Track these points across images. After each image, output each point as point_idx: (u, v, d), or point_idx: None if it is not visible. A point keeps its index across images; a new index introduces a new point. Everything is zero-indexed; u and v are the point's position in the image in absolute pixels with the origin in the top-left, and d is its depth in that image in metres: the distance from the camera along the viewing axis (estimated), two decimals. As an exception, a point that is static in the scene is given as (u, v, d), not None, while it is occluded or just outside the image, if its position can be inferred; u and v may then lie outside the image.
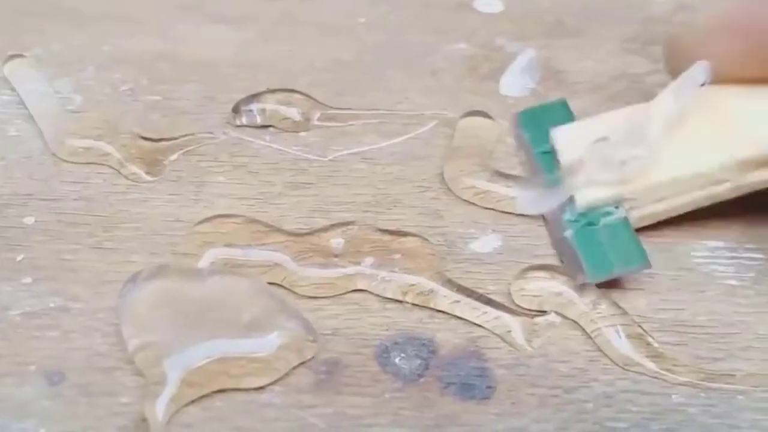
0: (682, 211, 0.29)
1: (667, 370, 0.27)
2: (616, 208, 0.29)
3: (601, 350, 0.27)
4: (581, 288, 0.28)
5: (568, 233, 0.28)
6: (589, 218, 0.29)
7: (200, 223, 0.29)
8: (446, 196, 0.31)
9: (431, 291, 0.28)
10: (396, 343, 0.27)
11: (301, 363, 0.26)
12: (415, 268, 0.28)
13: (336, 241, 0.29)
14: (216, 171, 0.31)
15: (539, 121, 0.31)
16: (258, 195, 0.31)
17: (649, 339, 0.27)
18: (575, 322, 0.28)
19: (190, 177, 0.31)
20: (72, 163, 0.31)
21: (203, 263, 0.28)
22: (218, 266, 0.28)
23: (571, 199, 0.29)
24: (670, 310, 0.28)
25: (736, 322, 0.28)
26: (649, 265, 0.28)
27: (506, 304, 0.28)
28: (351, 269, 0.28)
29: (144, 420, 0.25)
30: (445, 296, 0.28)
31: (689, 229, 0.30)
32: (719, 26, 0.29)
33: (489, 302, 0.28)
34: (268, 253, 0.28)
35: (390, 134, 0.32)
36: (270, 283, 0.28)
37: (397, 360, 0.27)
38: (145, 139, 0.32)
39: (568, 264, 0.28)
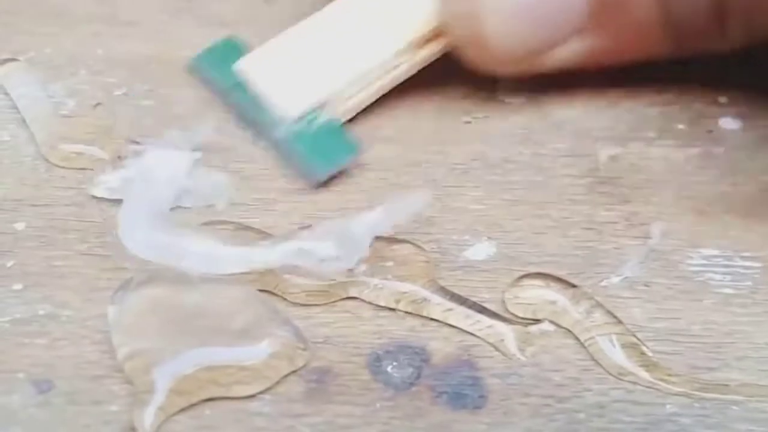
0: (373, 99, 0.32)
1: (661, 379, 0.26)
2: (320, 111, 0.31)
3: (594, 359, 0.27)
4: (575, 298, 0.28)
5: (286, 141, 0.31)
6: (300, 126, 0.31)
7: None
8: (440, 203, 0.30)
9: (424, 299, 0.28)
10: (388, 352, 0.27)
11: (292, 371, 0.26)
12: (408, 275, 0.28)
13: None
14: (209, 176, 0.31)
15: (217, 60, 0.33)
16: (252, 201, 0.30)
17: (644, 348, 0.27)
18: (569, 330, 0.27)
19: (182, 182, 0.31)
20: (64, 168, 0.31)
21: (194, 270, 0.28)
22: (209, 273, 0.28)
23: (276, 117, 0.31)
24: (666, 319, 0.28)
25: (731, 332, 0.28)
26: (360, 151, 0.31)
27: (500, 312, 0.28)
28: (343, 276, 0.28)
29: (132, 429, 0.25)
30: (438, 304, 0.28)
31: (684, 238, 0.29)
32: None
33: (482, 310, 0.28)
34: (260, 260, 0.28)
35: (385, 140, 0.32)
36: (261, 291, 0.28)
37: (388, 368, 0.27)
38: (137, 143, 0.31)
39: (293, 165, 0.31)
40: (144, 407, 0.25)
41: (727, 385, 0.26)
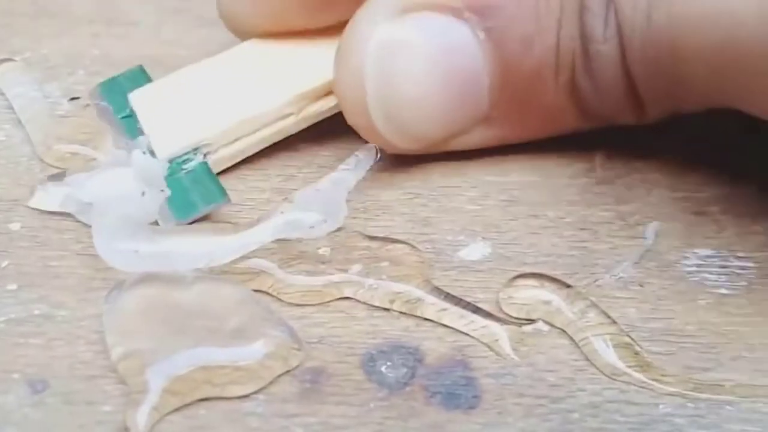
0: (258, 149, 0.31)
1: (655, 379, 0.26)
2: (195, 154, 0.30)
3: (588, 359, 0.27)
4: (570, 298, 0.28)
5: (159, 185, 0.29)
6: (171, 168, 0.30)
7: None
8: (435, 203, 0.30)
9: (418, 299, 0.28)
10: (382, 352, 0.27)
11: (286, 371, 0.26)
12: (402, 275, 0.28)
13: (323, 248, 0.28)
14: (204, 177, 0.31)
15: (120, 89, 0.32)
16: (246, 200, 0.30)
17: (638, 348, 0.27)
18: (563, 330, 0.27)
19: (177, 183, 0.31)
20: (59, 168, 0.31)
21: (188, 270, 0.28)
22: (204, 273, 0.28)
23: (151, 152, 0.30)
24: (660, 319, 0.28)
25: (726, 332, 0.28)
26: (228, 200, 0.30)
27: (494, 312, 0.28)
28: (338, 276, 0.28)
29: (126, 429, 0.25)
30: (432, 304, 0.28)
31: (680, 238, 0.29)
32: None
33: (476, 311, 0.28)
34: (255, 260, 0.28)
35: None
36: (256, 291, 0.28)
37: (382, 369, 0.27)
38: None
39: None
40: (138, 407, 0.25)
41: (721, 386, 0.26)
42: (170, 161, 0.30)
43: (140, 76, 0.32)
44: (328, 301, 0.28)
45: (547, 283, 0.28)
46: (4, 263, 0.28)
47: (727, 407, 0.26)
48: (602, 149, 0.31)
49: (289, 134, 0.31)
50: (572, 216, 0.30)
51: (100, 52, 0.35)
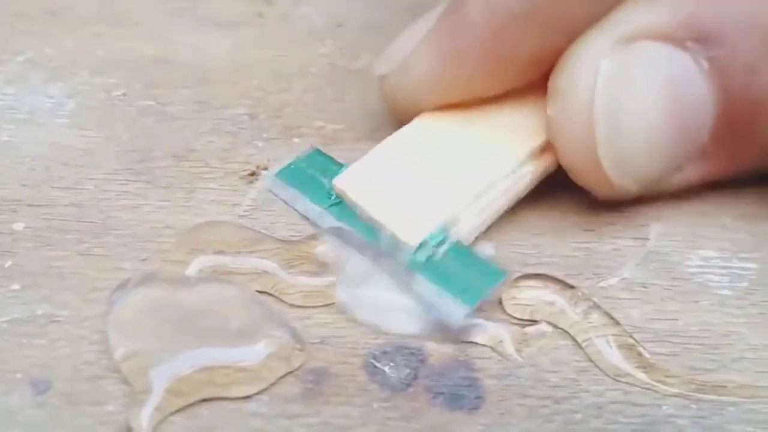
0: (500, 214, 0.29)
1: (659, 381, 0.26)
2: (446, 232, 0.28)
3: (591, 360, 0.27)
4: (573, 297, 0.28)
5: (415, 277, 0.27)
6: (426, 253, 0.28)
7: (190, 230, 0.29)
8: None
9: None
10: (385, 353, 0.27)
11: (289, 372, 0.26)
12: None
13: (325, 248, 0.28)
14: (207, 177, 0.31)
15: (304, 175, 0.30)
16: (249, 201, 0.30)
17: (641, 349, 0.27)
18: (566, 331, 0.27)
19: (180, 183, 0.31)
20: (65, 165, 0.31)
21: (192, 271, 0.28)
22: (207, 274, 0.28)
23: (395, 243, 0.28)
24: (663, 320, 0.28)
25: (729, 333, 0.28)
26: (509, 276, 0.28)
27: (498, 313, 0.28)
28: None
29: (129, 429, 0.25)
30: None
31: (683, 239, 0.29)
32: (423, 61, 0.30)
33: (479, 312, 0.28)
34: (258, 261, 0.28)
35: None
36: (259, 292, 0.28)
37: (385, 369, 0.27)
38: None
39: (432, 320, 0.27)
40: (141, 408, 0.25)
41: (724, 387, 0.26)
42: (420, 246, 0.28)
43: (319, 158, 0.30)
44: (331, 303, 0.28)
45: (550, 284, 0.28)
46: (8, 263, 0.28)
47: (730, 408, 0.26)
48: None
49: (524, 194, 0.30)
50: (576, 217, 0.30)
51: (104, 52, 0.35)
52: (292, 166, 0.30)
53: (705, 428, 0.25)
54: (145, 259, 0.29)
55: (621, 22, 0.28)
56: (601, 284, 0.28)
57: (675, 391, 0.26)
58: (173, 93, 0.34)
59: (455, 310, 0.27)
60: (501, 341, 0.27)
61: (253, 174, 0.31)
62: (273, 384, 0.26)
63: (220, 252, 0.28)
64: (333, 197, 0.29)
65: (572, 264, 0.29)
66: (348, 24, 0.37)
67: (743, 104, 0.28)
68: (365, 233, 0.28)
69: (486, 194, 0.29)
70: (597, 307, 0.28)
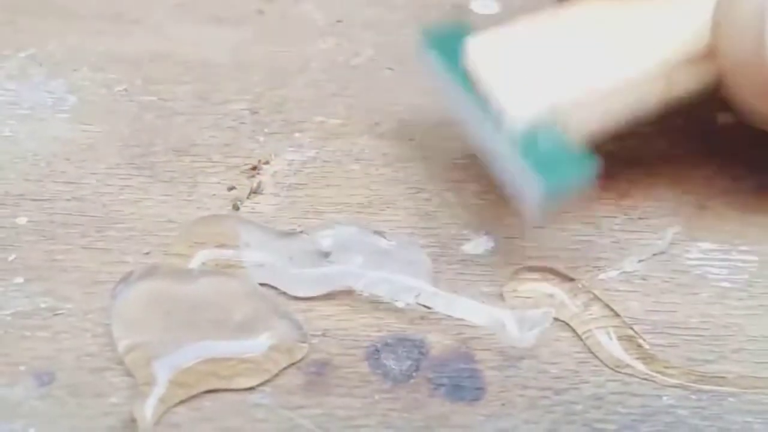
0: (619, 119, 0.28)
1: (658, 372, 0.26)
2: (553, 118, 0.27)
3: (591, 352, 0.27)
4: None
5: (510, 152, 0.26)
6: (527, 132, 0.27)
7: (193, 223, 0.29)
8: (439, 198, 0.30)
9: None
10: (387, 344, 0.27)
11: (292, 364, 0.26)
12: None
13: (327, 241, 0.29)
14: (209, 171, 0.31)
15: (447, 41, 0.29)
16: (251, 195, 0.31)
17: (640, 341, 0.27)
18: (566, 323, 0.27)
19: (182, 177, 0.31)
20: (67, 160, 0.31)
21: (194, 264, 0.28)
22: (209, 267, 0.28)
23: (501, 116, 0.27)
24: (663, 311, 0.28)
25: (728, 324, 0.28)
26: (595, 170, 0.26)
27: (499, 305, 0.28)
28: (342, 269, 0.28)
29: (133, 420, 0.25)
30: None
31: (683, 232, 0.30)
32: None
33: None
34: (260, 254, 0.28)
35: (384, 136, 0.32)
36: (261, 284, 0.28)
37: (387, 361, 0.27)
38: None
39: (521, 197, 0.27)
40: (144, 399, 0.25)
41: (723, 377, 0.26)
42: (523, 125, 0.26)
43: (465, 27, 0.29)
44: (333, 294, 0.28)
45: (550, 277, 0.28)
46: (11, 257, 0.29)
47: (729, 399, 0.26)
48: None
49: (652, 107, 0.28)
50: (575, 210, 0.30)
51: (105, 48, 0.35)
52: (440, 27, 0.29)
53: (704, 418, 0.26)
54: (147, 253, 0.29)
55: None
56: (601, 276, 0.29)
57: (674, 381, 0.26)
58: (174, 88, 0.34)
59: (535, 186, 0.26)
60: (505, 326, 0.27)
61: (254, 168, 0.31)
62: (276, 375, 0.26)
63: (221, 245, 0.28)
64: (461, 61, 0.28)
65: (572, 256, 0.29)
66: (348, 20, 0.37)
67: None
68: (478, 102, 0.27)
69: (605, 91, 0.27)
70: (597, 299, 0.28)
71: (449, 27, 0.29)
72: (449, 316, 0.27)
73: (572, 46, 0.27)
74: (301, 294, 0.28)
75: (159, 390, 0.25)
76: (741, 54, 0.26)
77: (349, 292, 0.28)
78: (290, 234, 0.28)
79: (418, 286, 0.27)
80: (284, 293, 0.28)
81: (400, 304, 0.28)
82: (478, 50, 0.28)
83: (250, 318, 0.27)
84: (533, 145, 0.26)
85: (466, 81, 0.28)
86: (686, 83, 0.28)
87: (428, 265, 0.28)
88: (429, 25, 0.30)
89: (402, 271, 0.27)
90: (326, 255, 0.28)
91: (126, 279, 0.27)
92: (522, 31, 0.28)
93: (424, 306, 0.27)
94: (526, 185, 0.26)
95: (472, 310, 0.27)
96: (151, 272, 0.27)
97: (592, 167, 0.26)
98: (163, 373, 0.25)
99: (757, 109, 0.27)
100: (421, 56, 0.29)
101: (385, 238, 0.28)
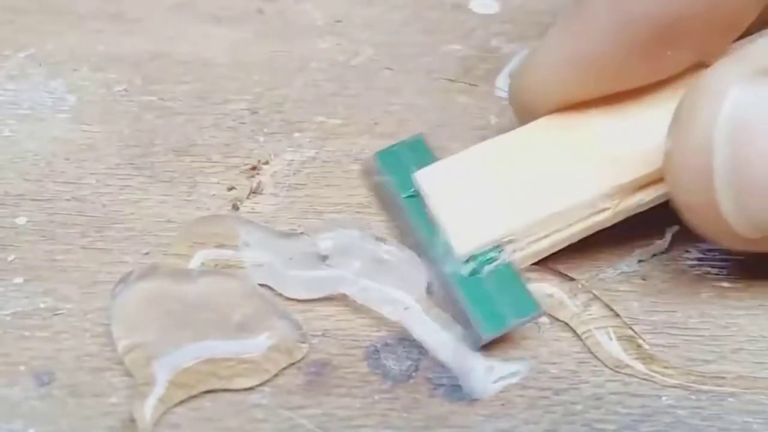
0: (564, 245, 0.28)
1: (658, 372, 0.26)
2: (498, 251, 0.27)
3: (591, 352, 0.27)
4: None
5: (453, 286, 0.27)
6: (471, 267, 0.27)
7: (192, 223, 0.29)
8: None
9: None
10: (386, 345, 0.27)
11: (291, 364, 0.26)
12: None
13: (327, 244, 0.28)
14: (209, 171, 0.31)
15: (399, 161, 0.30)
16: (251, 196, 0.31)
17: (640, 341, 0.27)
18: (566, 323, 0.27)
19: (182, 177, 0.31)
20: (66, 160, 0.31)
21: (193, 264, 0.28)
22: (209, 267, 0.28)
23: (447, 249, 0.27)
24: (662, 312, 0.28)
25: (728, 324, 0.28)
26: (543, 312, 0.27)
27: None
28: (337, 274, 0.28)
29: (132, 421, 0.25)
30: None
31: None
32: (552, 61, 0.28)
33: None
34: (260, 254, 0.28)
35: (384, 135, 0.32)
36: (261, 285, 0.28)
37: (387, 361, 0.27)
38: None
39: (458, 319, 0.27)
40: (144, 399, 0.25)
41: (722, 378, 0.26)
42: (469, 259, 0.27)
43: (420, 147, 0.30)
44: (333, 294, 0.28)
45: (549, 277, 0.28)
46: (11, 257, 0.29)
47: (729, 399, 0.26)
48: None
49: (599, 229, 0.28)
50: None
51: (105, 48, 0.35)
52: (394, 149, 0.31)
53: (704, 419, 0.26)
54: (147, 253, 0.29)
55: (758, 54, 0.25)
56: (601, 276, 0.29)
57: (674, 382, 0.26)
58: (174, 88, 0.34)
59: (477, 333, 0.26)
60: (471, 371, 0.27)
61: (254, 168, 0.31)
62: (275, 376, 0.26)
63: (221, 245, 0.28)
64: (412, 189, 0.29)
65: (572, 256, 0.29)
66: (347, 20, 0.37)
67: None
68: (426, 232, 0.28)
69: (555, 220, 0.28)
70: (596, 299, 0.28)
71: (404, 149, 0.30)
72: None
73: (520, 174, 0.28)
74: (295, 296, 0.28)
75: (158, 390, 0.25)
76: (690, 191, 0.25)
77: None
78: (291, 235, 0.28)
79: (406, 302, 0.27)
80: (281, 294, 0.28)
81: (385, 313, 0.27)
82: (428, 180, 0.28)
83: (250, 318, 0.27)
84: (476, 285, 0.27)
85: (419, 207, 0.28)
86: (638, 203, 0.28)
87: (422, 283, 0.27)
88: (384, 148, 0.31)
89: (395, 284, 0.27)
90: (324, 258, 0.28)
91: (125, 279, 0.27)
92: (471, 159, 0.29)
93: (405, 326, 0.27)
94: (468, 320, 0.26)
95: (444, 346, 0.27)
96: (150, 272, 0.27)
97: (535, 310, 0.26)
98: (162, 373, 0.25)
99: (707, 235, 0.27)
100: (374, 178, 0.30)
101: (385, 243, 0.28)
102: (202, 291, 0.27)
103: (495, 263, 0.27)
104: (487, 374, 0.26)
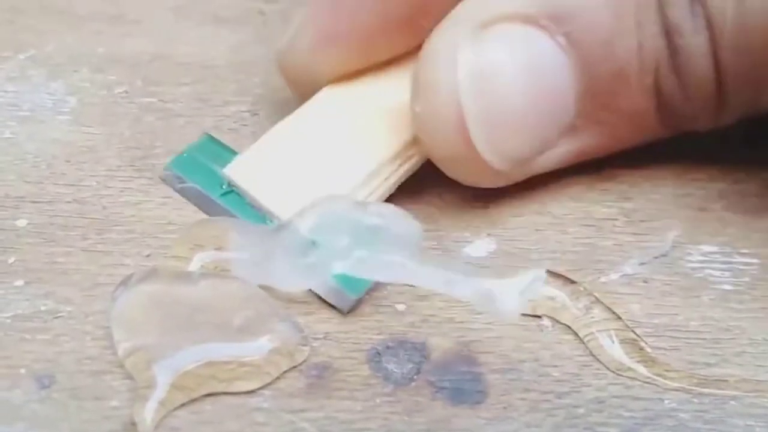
0: (393, 190, 0.30)
1: (660, 375, 0.26)
2: None
3: (593, 355, 0.27)
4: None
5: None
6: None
7: (192, 226, 0.29)
8: (440, 200, 0.30)
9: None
10: (388, 347, 0.27)
11: (292, 367, 0.26)
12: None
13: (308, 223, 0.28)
14: (209, 173, 0.31)
15: (196, 164, 0.30)
16: (251, 198, 0.30)
17: (642, 344, 0.27)
18: (568, 326, 0.27)
19: (183, 180, 0.31)
20: (67, 162, 0.31)
21: (194, 267, 0.28)
22: (209, 270, 0.28)
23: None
24: (664, 315, 0.28)
25: (730, 327, 0.28)
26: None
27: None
28: (325, 254, 0.27)
29: (133, 424, 0.25)
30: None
31: (684, 234, 0.30)
32: (317, 41, 0.30)
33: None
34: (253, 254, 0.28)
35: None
36: (261, 287, 0.28)
37: (388, 364, 0.27)
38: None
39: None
40: (144, 402, 0.25)
41: (725, 381, 0.26)
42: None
43: (210, 145, 0.31)
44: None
45: (551, 279, 0.28)
46: (11, 259, 0.28)
47: (731, 402, 0.26)
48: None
49: (412, 172, 0.30)
50: (576, 212, 0.30)
51: (105, 49, 0.35)
52: (185, 155, 0.31)
53: (706, 422, 0.26)
54: (147, 255, 0.29)
55: (474, 8, 0.28)
56: (602, 279, 0.29)
57: (676, 385, 0.26)
58: (174, 90, 0.34)
59: (345, 297, 0.27)
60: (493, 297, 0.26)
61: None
62: (276, 379, 0.26)
63: (220, 248, 0.28)
64: (225, 186, 0.30)
65: (573, 259, 0.29)
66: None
67: (603, 78, 0.28)
68: (258, 221, 0.29)
69: (370, 181, 0.29)
70: (598, 302, 0.28)
71: (196, 151, 0.31)
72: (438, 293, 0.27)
73: (326, 145, 0.30)
74: (292, 288, 0.28)
75: (159, 393, 0.25)
76: (448, 143, 0.28)
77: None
78: (281, 227, 0.28)
79: (400, 261, 0.27)
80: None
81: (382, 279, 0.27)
82: (239, 173, 0.29)
83: (251, 321, 0.27)
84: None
85: (239, 201, 0.29)
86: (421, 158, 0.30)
87: (417, 236, 0.27)
88: (175, 157, 0.31)
89: (389, 246, 0.27)
90: (314, 243, 0.27)
91: (126, 282, 0.27)
92: (273, 145, 0.30)
93: (408, 285, 0.27)
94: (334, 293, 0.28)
95: (456, 284, 0.26)
96: (150, 275, 0.27)
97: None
98: (163, 376, 0.25)
99: (467, 180, 0.30)
100: (178, 186, 0.30)
101: (368, 206, 0.28)
102: (203, 294, 0.27)
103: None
104: (510, 290, 0.26)
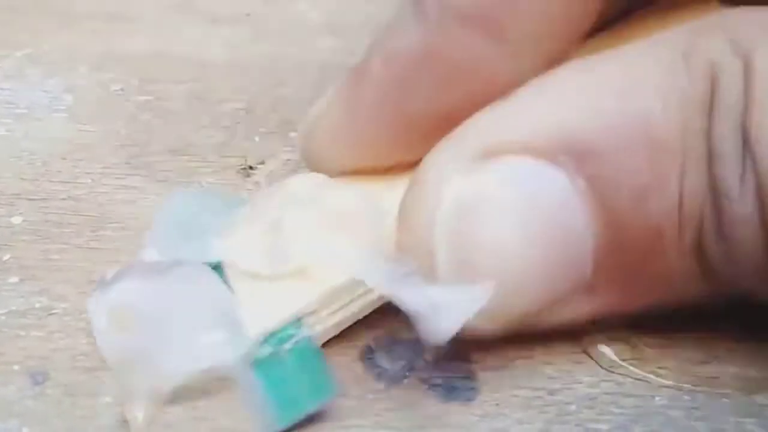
0: (361, 316, 0.27)
1: (652, 372, 0.26)
2: (297, 327, 0.25)
3: (585, 352, 0.27)
4: None
5: (248, 373, 0.25)
6: (269, 346, 0.25)
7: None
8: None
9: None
10: (381, 345, 0.27)
11: (286, 364, 0.26)
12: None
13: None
14: (205, 171, 0.31)
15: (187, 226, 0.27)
16: (247, 194, 0.31)
17: (634, 341, 0.27)
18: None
19: (178, 177, 0.31)
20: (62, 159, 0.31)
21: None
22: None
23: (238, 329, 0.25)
24: (656, 311, 0.28)
25: (722, 325, 0.28)
26: (337, 392, 0.25)
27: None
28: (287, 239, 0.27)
29: (126, 421, 0.25)
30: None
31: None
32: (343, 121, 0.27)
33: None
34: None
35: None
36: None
37: (381, 361, 0.27)
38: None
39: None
40: (136, 400, 0.25)
41: (717, 378, 0.26)
42: (266, 338, 0.25)
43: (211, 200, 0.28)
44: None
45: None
46: (6, 256, 0.29)
47: (723, 399, 0.26)
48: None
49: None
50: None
51: (101, 48, 0.35)
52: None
53: (698, 419, 0.26)
54: (142, 253, 0.29)
55: (480, 130, 0.24)
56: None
57: (668, 382, 0.26)
58: (170, 88, 0.34)
59: (272, 421, 0.25)
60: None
61: (250, 168, 0.31)
62: (269, 375, 0.26)
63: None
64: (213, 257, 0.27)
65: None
66: (344, 19, 0.37)
67: (632, 233, 0.23)
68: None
69: (349, 291, 0.26)
70: (591, 299, 0.28)
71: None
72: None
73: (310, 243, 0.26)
74: (266, 271, 0.26)
75: (150, 392, 0.25)
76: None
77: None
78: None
79: (359, 255, 0.25)
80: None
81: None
82: (223, 253, 0.27)
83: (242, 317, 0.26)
84: (274, 368, 0.25)
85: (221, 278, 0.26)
86: None
87: (378, 226, 0.26)
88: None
89: (350, 236, 0.25)
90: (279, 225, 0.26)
91: (100, 285, 0.26)
92: (263, 229, 0.27)
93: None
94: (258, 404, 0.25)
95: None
96: (124, 275, 0.26)
97: (331, 391, 0.25)
98: (151, 375, 0.25)
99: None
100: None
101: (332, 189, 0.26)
102: (182, 287, 0.26)
103: (293, 340, 0.25)
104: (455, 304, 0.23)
